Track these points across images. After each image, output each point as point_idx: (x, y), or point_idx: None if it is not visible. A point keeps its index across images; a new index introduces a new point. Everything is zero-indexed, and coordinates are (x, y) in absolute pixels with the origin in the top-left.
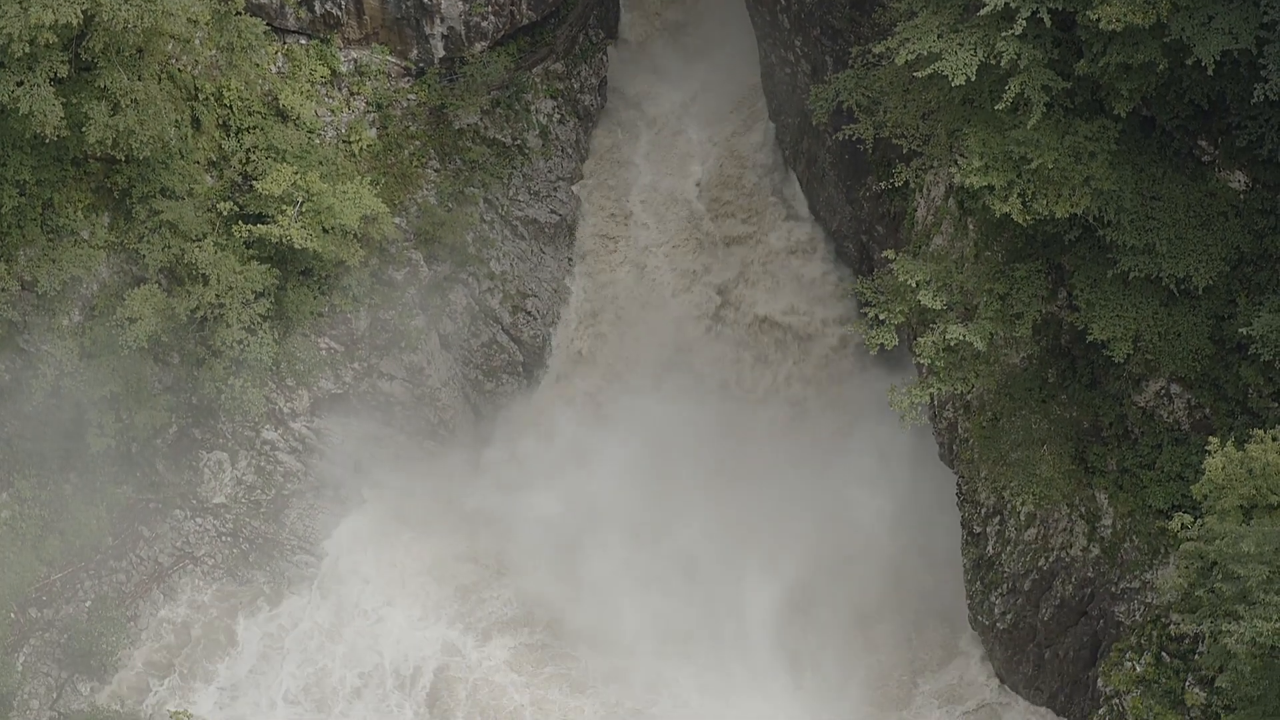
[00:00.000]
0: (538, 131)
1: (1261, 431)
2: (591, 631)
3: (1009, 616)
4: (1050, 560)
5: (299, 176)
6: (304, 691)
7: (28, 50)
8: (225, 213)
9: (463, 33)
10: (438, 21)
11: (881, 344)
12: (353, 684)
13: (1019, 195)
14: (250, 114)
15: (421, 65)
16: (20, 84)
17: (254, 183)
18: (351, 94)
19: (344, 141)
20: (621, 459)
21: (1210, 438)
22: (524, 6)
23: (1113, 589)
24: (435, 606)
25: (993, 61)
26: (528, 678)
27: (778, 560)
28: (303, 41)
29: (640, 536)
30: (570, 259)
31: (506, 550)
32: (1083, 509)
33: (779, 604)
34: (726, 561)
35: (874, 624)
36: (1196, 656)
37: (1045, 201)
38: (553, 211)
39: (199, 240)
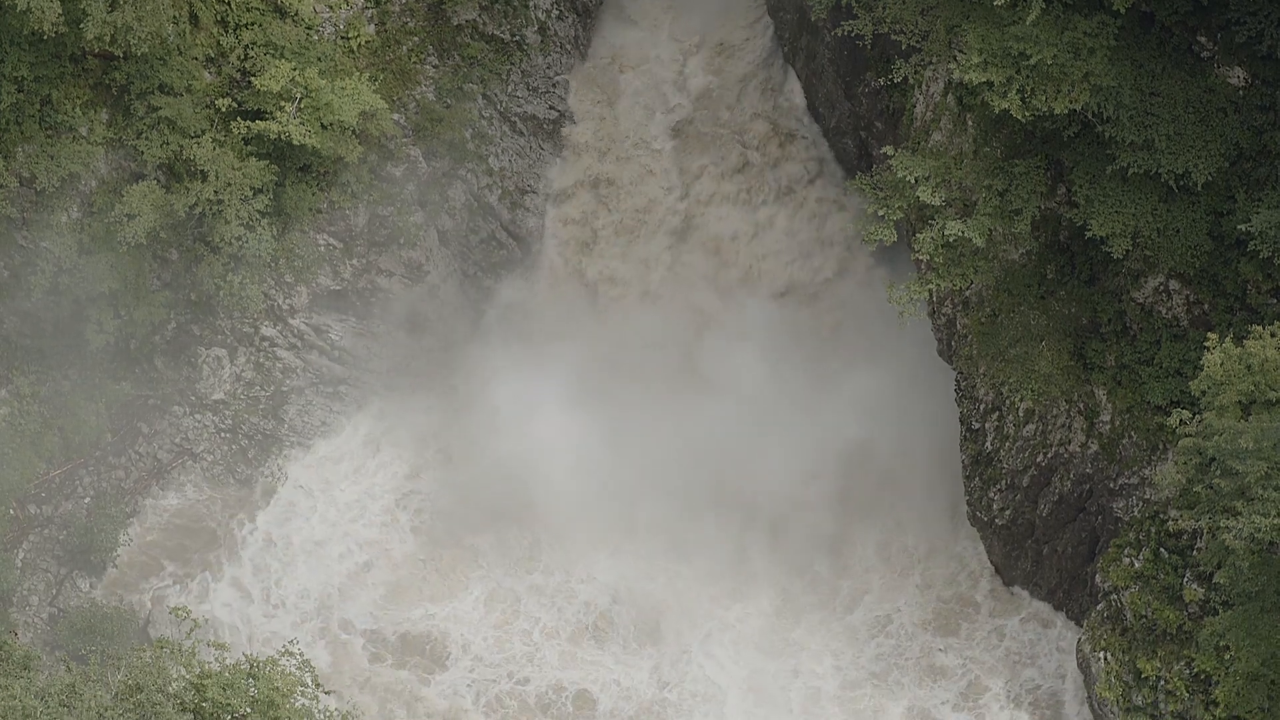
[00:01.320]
0: (536, 27)
1: (1260, 327)
2: (580, 529)
3: (1007, 512)
4: (1049, 456)
5: (297, 73)
6: (304, 588)
7: None
8: (223, 109)
9: None
10: None
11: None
12: (353, 579)
13: (1018, 91)
14: (248, 10)
15: None
16: None
17: (252, 79)
18: None
19: (342, 38)
20: (612, 352)
21: (1209, 334)
22: None
23: (1111, 485)
24: (433, 499)
25: None
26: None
27: (772, 458)
28: None
29: (633, 430)
30: (567, 154)
31: (504, 445)
32: (1081, 405)
33: (774, 502)
34: (721, 459)
35: (870, 523)
36: (1195, 552)
37: (1044, 98)
38: (551, 107)
39: (197, 136)
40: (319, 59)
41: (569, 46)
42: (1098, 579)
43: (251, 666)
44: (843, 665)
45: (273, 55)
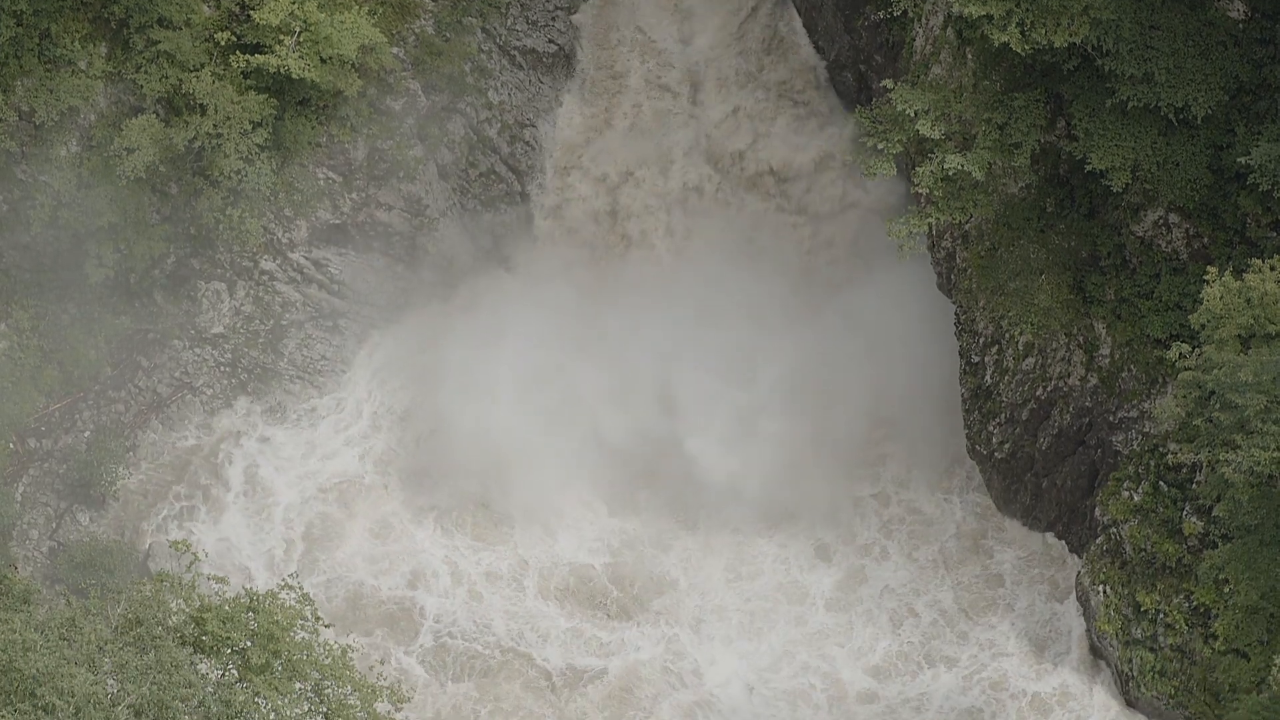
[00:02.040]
0: None
1: (1259, 261)
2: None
3: (1006, 446)
4: (1048, 389)
5: (296, 6)
6: (302, 522)
7: None
8: (223, 43)
9: None
10: None
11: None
12: (344, 520)
13: (1017, 24)
14: None
15: None
16: None
17: (251, 13)
18: None
19: None
20: (617, 285)
21: (1208, 267)
22: None
23: (1110, 418)
24: (426, 438)
25: None
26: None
27: (771, 391)
28: None
29: (634, 364)
30: (568, 89)
31: (502, 376)
32: (1081, 338)
33: (772, 432)
34: (724, 390)
35: (870, 456)
36: (1194, 486)
37: (1044, 30)
38: (550, 41)
39: (196, 70)
40: None
41: None
42: (1097, 512)
43: (251, 600)
44: (838, 596)
45: None
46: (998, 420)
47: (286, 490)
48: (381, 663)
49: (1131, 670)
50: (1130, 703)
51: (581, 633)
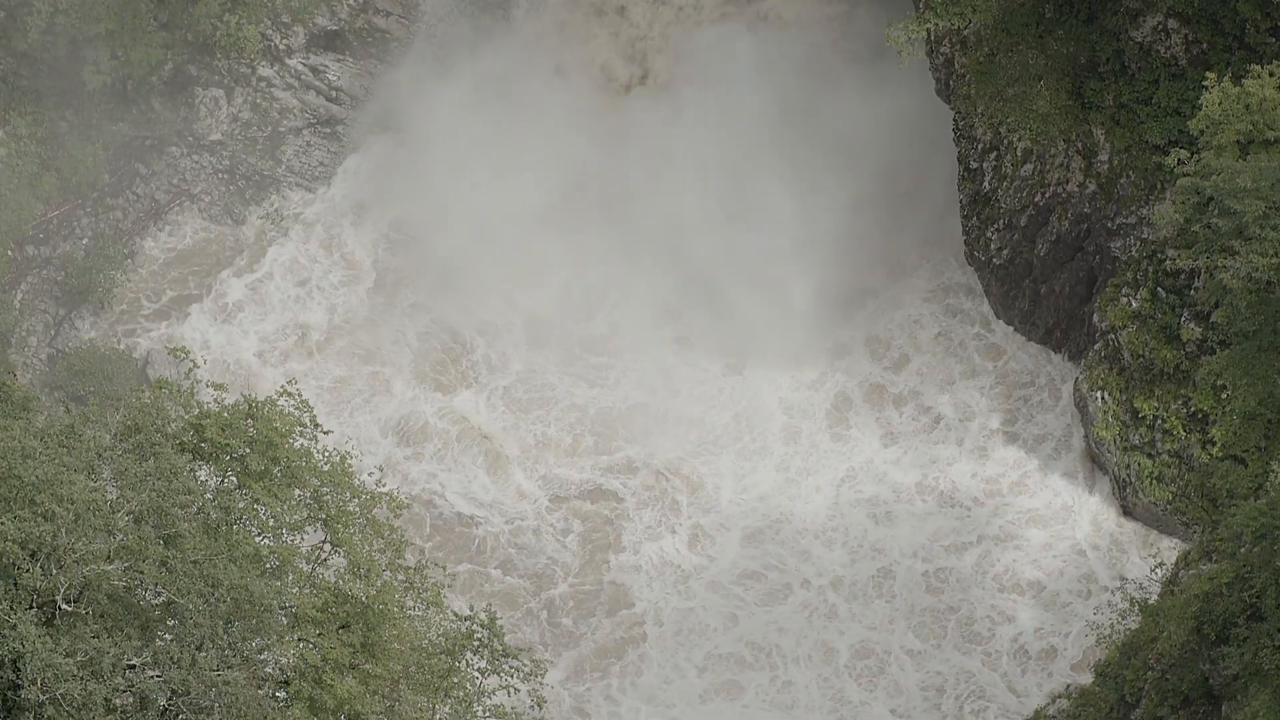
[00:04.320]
0: None
1: (1259, 67)
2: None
3: (1005, 252)
4: (1047, 195)
5: None
6: (296, 328)
7: None
8: None
9: None
10: None
11: None
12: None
13: None
14: None
15: None
16: None
17: None
18: None
19: None
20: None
21: (1207, 73)
22: None
23: (1109, 224)
24: (417, 247)
25: None
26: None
27: (770, 197)
28: None
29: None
30: None
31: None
32: (1079, 144)
33: (771, 237)
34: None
35: (868, 262)
36: (1192, 291)
37: None
38: None
39: None
40: None
41: None
42: (1095, 318)
43: (250, 407)
44: (832, 415)
45: None
46: (996, 226)
47: (283, 297)
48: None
49: (1129, 476)
50: (1127, 510)
51: None
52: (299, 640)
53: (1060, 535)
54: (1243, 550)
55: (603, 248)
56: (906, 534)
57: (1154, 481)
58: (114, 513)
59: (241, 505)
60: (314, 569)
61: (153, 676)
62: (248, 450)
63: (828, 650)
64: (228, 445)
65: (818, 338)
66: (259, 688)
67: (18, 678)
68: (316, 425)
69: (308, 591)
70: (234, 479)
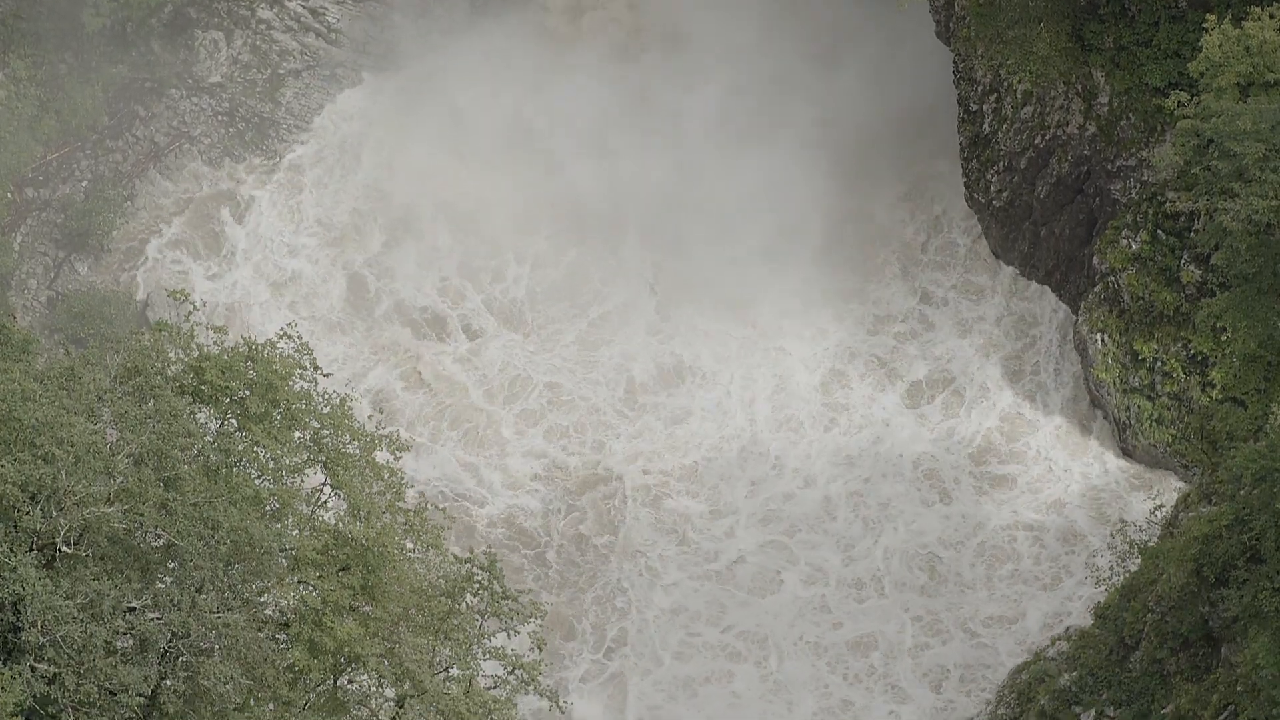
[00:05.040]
0: None
1: (1258, 9)
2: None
3: (1005, 194)
4: (1047, 138)
5: None
6: (293, 267)
7: None
8: None
9: None
10: None
11: None
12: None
13: None
14: None
15: None
16: None
17: None
18: None
19: None
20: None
21: (1207, 15)
22: None
23: (1109, 167)
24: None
25: None
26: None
27: (773, 132)
28: None
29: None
30: None
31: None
32: (1079, 86)
33: (770, 176)
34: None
35: (868, 203)
36: (1192, 234)
37: None
38: None
39: None
40: None
41: None
42: (1095, 261)
43: (250, 349)
44: (833, 359)
45: None
46: (996, 169)
47: (282, 238)
48: (381, 411)
49: (1129, 418)
50: (1127, 452)
51: None
52: (299, 583)
53: (1059, 478)
54: (1242, 493)
55: (601, 194)
56: (905, 475)
57: (1154, 424)
58: (114, 455)
59: (241, 448)
60: (314, 511)
61: (153, 619)
62: (247, 393)
63: (820, 573)
64: (227, 388)
65: (818, 287)
66: (259, 630)
67: (18, 620)
68: (316, 368)
69: (308, 534)
70: (234, 421)
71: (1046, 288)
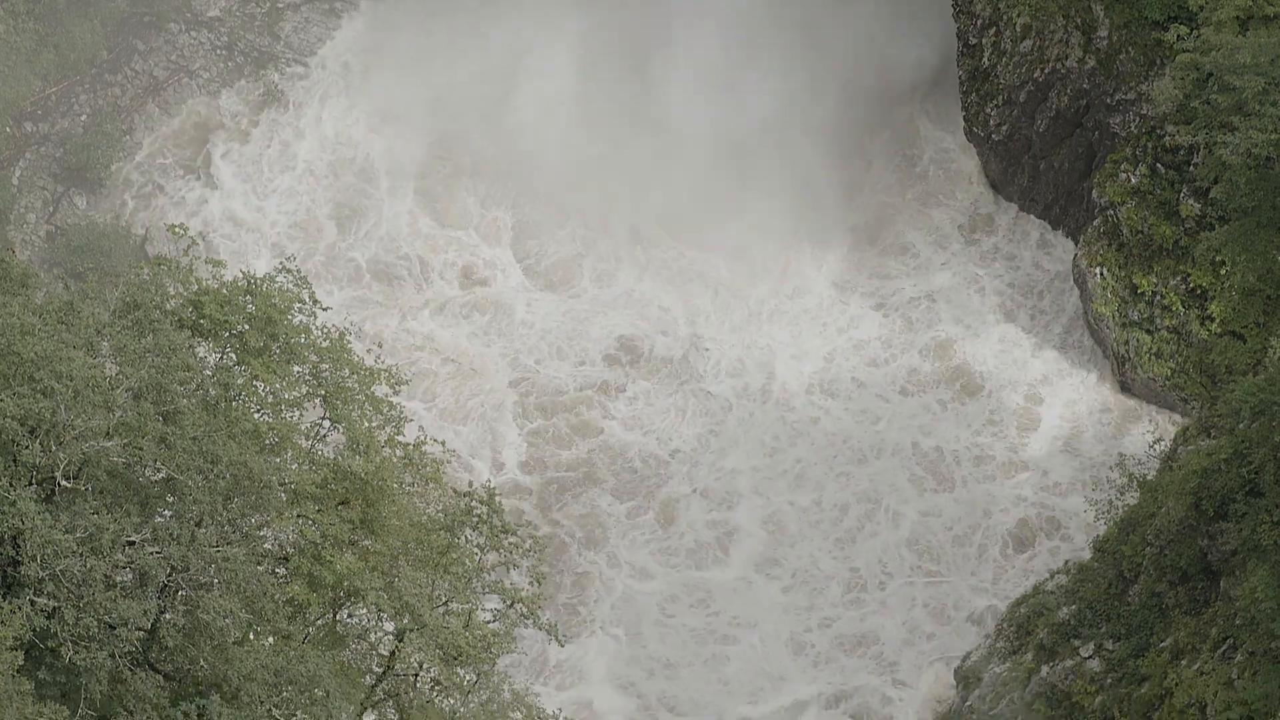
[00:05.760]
0: None
1: None
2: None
3: (1004, 128)
4: (1046, 72)
5: None
6: (295, 207)
7: None
8: None
9: None
10: None
11: None
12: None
13: None
14: None
15: None
16: None
17: None
18: None
19: None
20: None
21: None
22: None
23: (1108, 100)
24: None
25: None
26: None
27: (771, 76)
28: None
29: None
30: None
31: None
32: (1079, 20)
33: (772, 120)
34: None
35: (871, 138)
36: (1191, 167)
37: None
38: None
39: None
40: None
41: None
42: (1094, 194)
43: (249, 283)
44: (834, 289)
45: None
46: (995, 102)
47: (281, 173)
48: (380, 345)
49: (1128, 352)
50: (1126, 386)
51: None
52: (298, 517)
53: (1058, 411)
54: (1241, 426)
55: (613, 129)
56: (905, 409)
57: (1153, 357)
58: (113, 389)
59: (240, 382)
60: (313, 445)
61: (152, 553)
62: (246, 327)
63: (832, 506)
64: (226, 322)
65: (818, 218)
66: (258, 564)
67: (17, 554)
68: (315, 301)
69: (307, 468)
70: (233, 355)
71: (1045, 223)
